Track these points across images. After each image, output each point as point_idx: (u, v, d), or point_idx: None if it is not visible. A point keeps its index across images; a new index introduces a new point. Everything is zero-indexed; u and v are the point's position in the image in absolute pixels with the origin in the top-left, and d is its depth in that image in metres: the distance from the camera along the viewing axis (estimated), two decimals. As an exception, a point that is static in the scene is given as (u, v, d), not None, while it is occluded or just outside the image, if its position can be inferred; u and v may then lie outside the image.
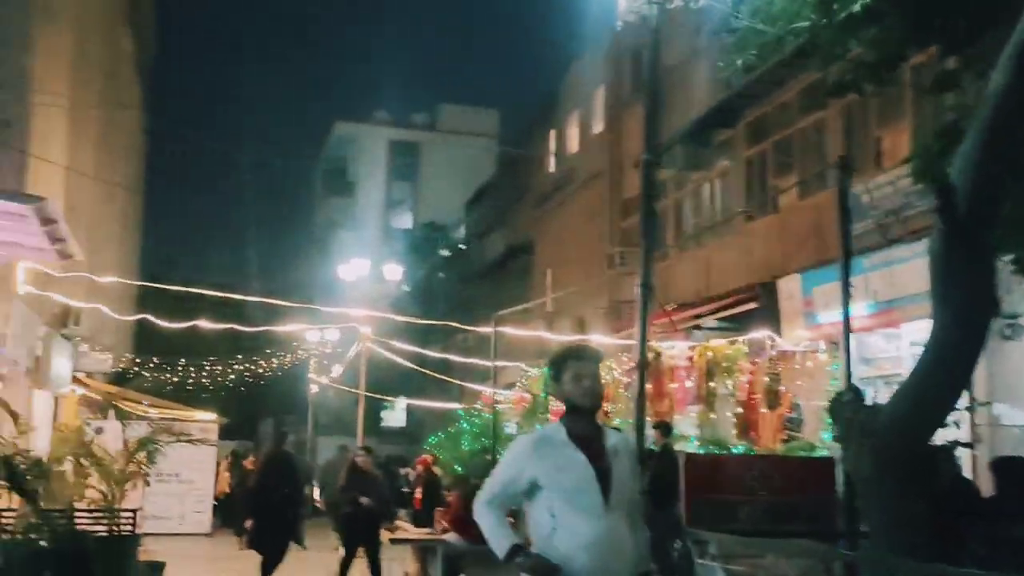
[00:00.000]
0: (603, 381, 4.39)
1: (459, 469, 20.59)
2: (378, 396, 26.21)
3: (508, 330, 16.18)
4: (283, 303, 15.08)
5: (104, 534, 8.60)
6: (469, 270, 39.35)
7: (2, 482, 8.63)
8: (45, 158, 13.32)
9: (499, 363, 18.79)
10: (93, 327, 21.02)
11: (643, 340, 9.41)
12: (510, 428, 20.98)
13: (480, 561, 11.73)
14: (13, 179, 12.08)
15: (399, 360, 20.06)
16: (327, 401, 37.79)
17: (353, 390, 25.77)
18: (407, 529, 12.91)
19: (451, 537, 11.77)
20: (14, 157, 12.00)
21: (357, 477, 12.71)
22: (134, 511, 9.43)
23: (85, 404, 21.46)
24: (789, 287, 15.08)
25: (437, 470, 20.38)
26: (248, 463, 20.47)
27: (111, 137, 22.67)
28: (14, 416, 9.23)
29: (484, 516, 4.09)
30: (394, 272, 17.70)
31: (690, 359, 15.21)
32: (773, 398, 15.16)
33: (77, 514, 8.91)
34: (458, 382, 22.91)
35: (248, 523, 12.31)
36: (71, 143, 18.49)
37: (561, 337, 17.67)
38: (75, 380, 21.07)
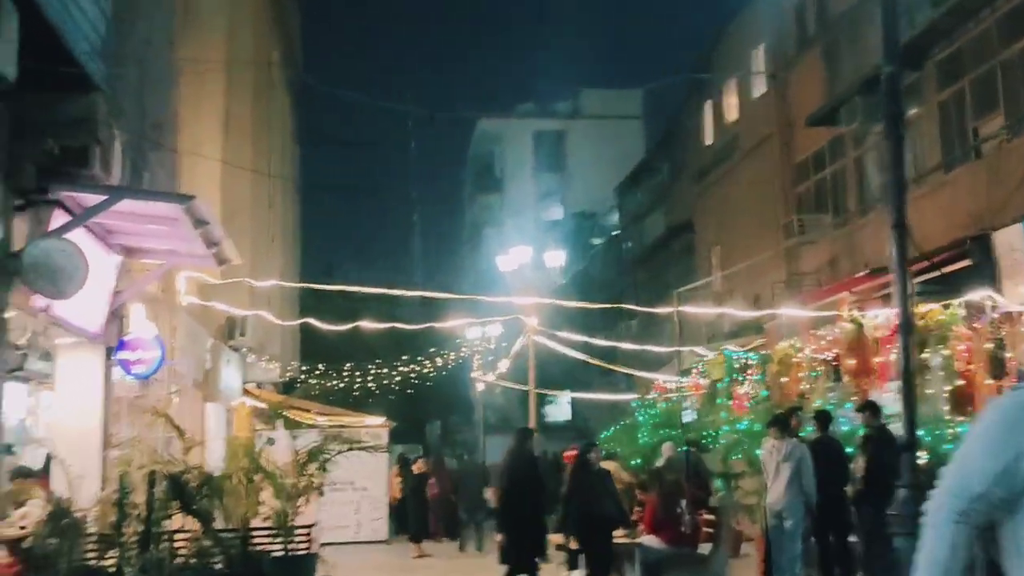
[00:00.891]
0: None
1: (636, 464, 19.42)
2: (544, 391, 25.30)
3: (691, 309, 14.91)
4: (444, 296, 14.32)
5: (280, 554, 7.90)
6: (627, 256, 38.07)
7: (173, 502, 8.04)
8: (200, 154, 12.93)
9: (677, 348, 17.59)
10: (259, 336, 20.90)
11: (904, 297, 8.03)
12: (688, 417, 19.62)
13: (683, 566, 10.59)
14: (167, 184, 11.66)
15: (564, 352, 19.04)
16: (491, 399, 37.24)
17: (520, 386, 24.95)
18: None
19: (649, 540, 10.64)
20: (166, 158, 11.59)
21: (587, 476, 11.04)
22: (309, 527, 8.71)
23: (255, 415, 21.40)
24: (1008, 239, 13.21)
25: (612, 466, 19.23)
26: (416, 467, 19.86)
27: (265, 143, 22.61)
28: (179, 432, 8.67)
29: (942, 535, 2.45)
30: (556, 258, 16.70)
31: (896, 329, 13.50)
32: (997, 367, 13.35)
33: (251, 533, 8.25)
34: (629, 371, 21.68)
35: (500, 538, 11.00)
36: (225, 148, 18.32)
37: (743, 313, 16.26)
38: (244, 391, 21.03)
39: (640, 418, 19.59)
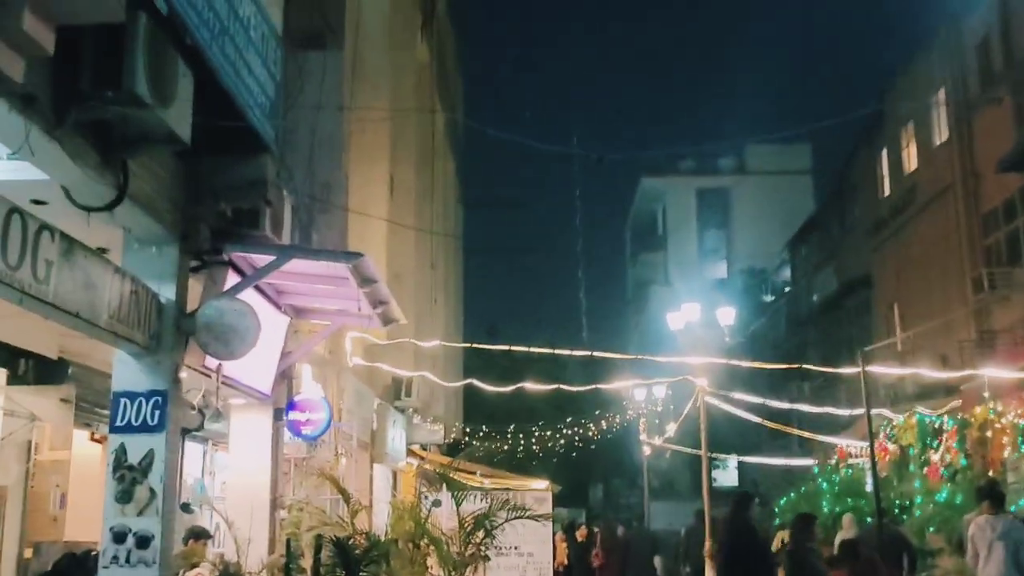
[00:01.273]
0: None
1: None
2: (715, 456, 24.24)
3: (880, 369, 13.82)
4: (612, 356, 13.83)
5: (446, 628, 7.53)
6: (797, 314, 36.56)
7: (339, 569, 7.81)
8: (366, 213, 13.02)
9: (861, 410, 16.32)
10: (423, 397, 20.92)
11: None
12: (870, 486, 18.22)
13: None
14: (335, 244, 11.73)
15: (737, 414, 18.10)
16: (655, 463, 36.12)
17: (691, 450, 24.03)
18: None
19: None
20: (334, 219, 11.68)
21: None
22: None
23: (421, 477, 21.35)
24: None
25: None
26: (580, 534, 19.20)
27: (428, 204, 22.91)
28: (345, 495, 8.47)
29: None
30: (727, 316, 15.92)
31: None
32: None
33: (416, 604, 7.91)
34: (809, 435, 20.44)
35: None
36: (391, 211, 18.55)
37: (938, 374, 15.03)
38: (410, 452, 21.03)
39: (823, 485, 18.34)
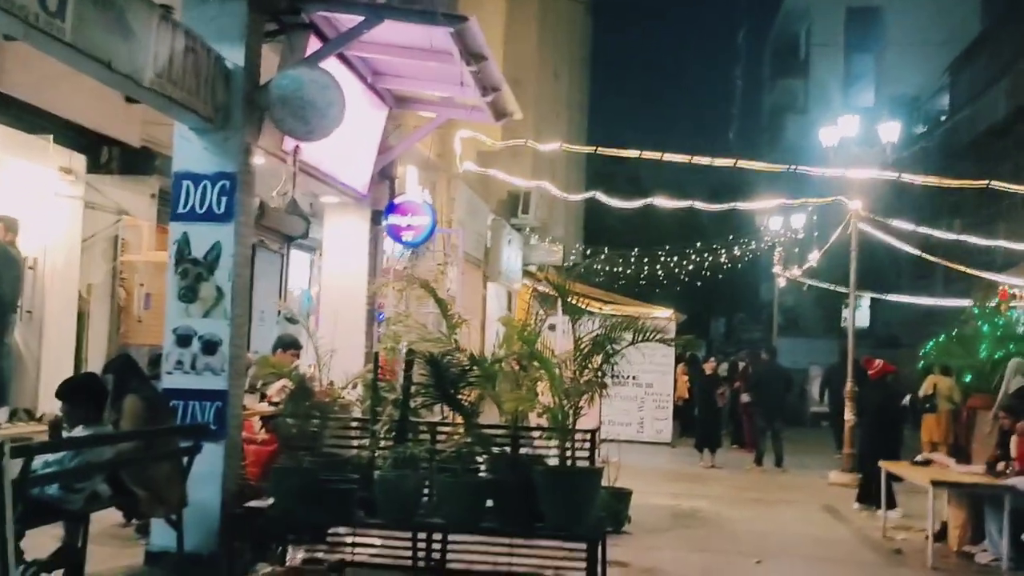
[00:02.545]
0: None
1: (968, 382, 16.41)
2: (860, 292, 22.17)
3: None
4: (757, 165, 11.94)
5: (555, 464, 6.34)
6: (954, 145, 33.34)
7: (431, 389, 6.66)
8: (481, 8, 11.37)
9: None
10: (541, 216, 19.60)
11: None
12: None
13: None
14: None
15: (889, 243, 16.08)
16: (781, 299, 34.23)
17: (828, 285, 22.22)
18: (948, 465, 9.43)
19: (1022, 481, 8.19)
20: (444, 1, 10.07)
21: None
22: (593, 433, 7.09)
23: (537, 299, 20.24)
24: None
25: (945, 383, 16.39)
26: (708, 367, 17.82)
27: (552, 18, 20.91)
28: (442, 305, 7.25)
29: None
30: (890, 131, 13.69)
31: None
32: None
33: (522, 434, 6.74)
34: (973, 272, 18.29)
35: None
36: (509, 23, 16.80)
37: None
38: (526, 274, 19.89)
39: (985, 328, 16.39)
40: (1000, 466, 8.88)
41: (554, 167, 19.98)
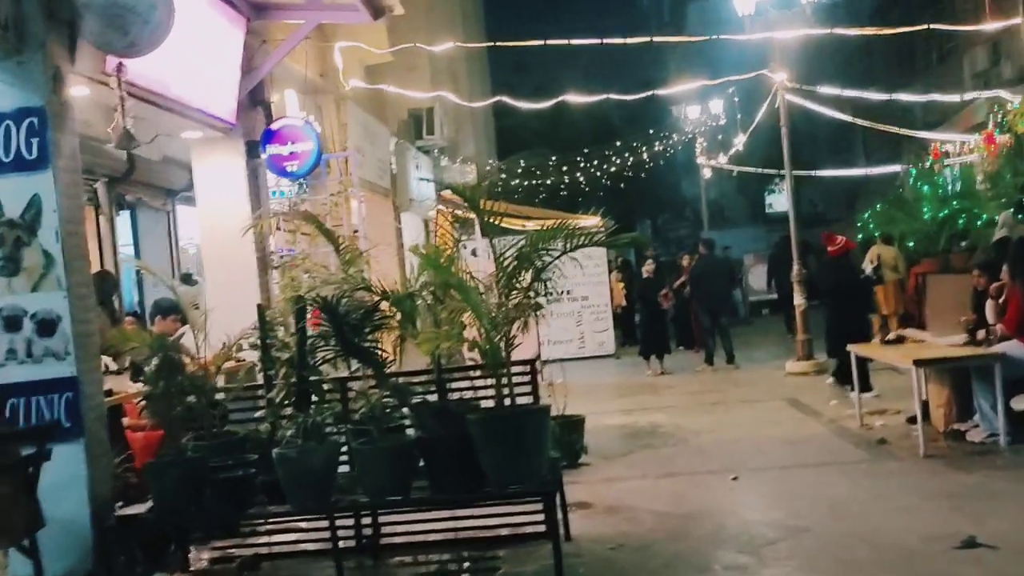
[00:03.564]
0: None
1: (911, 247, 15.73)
2: (773, 173, 21.36)
3: None
4: (673, 39, 10.63)
5: (491, 408, 5.24)
6: (863, 8, 32.42)
7: (330, 339, 5.49)
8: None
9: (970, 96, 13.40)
10: (450, 136, 18.27)
11: None
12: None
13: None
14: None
15: (819, 112, 15.10)
16: (702, 193, 33.36)
17: (754, 169, 21.37)
18: (924, 340, 8.58)
19: (1014, 349, 7.35)
20: None
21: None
22: (531, 364, 6.02)
23: (456, 225, 19.02)
24: None
25: (890, 252, 15.71)
26: (646, 270, 16.64)
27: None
28: (330, 237, 6.04)
29: None
30: None
31: None
32: None
33: (447, 377, 5.64)
34: (908, 132, 17.41)
35: None
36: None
37: None
38: (441, 199, 18.61)
39: (925, 189, 15.63)
40: (980, 333, 8.05)
41: (456, 80, 18.58)
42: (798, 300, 13.55)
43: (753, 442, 8.72)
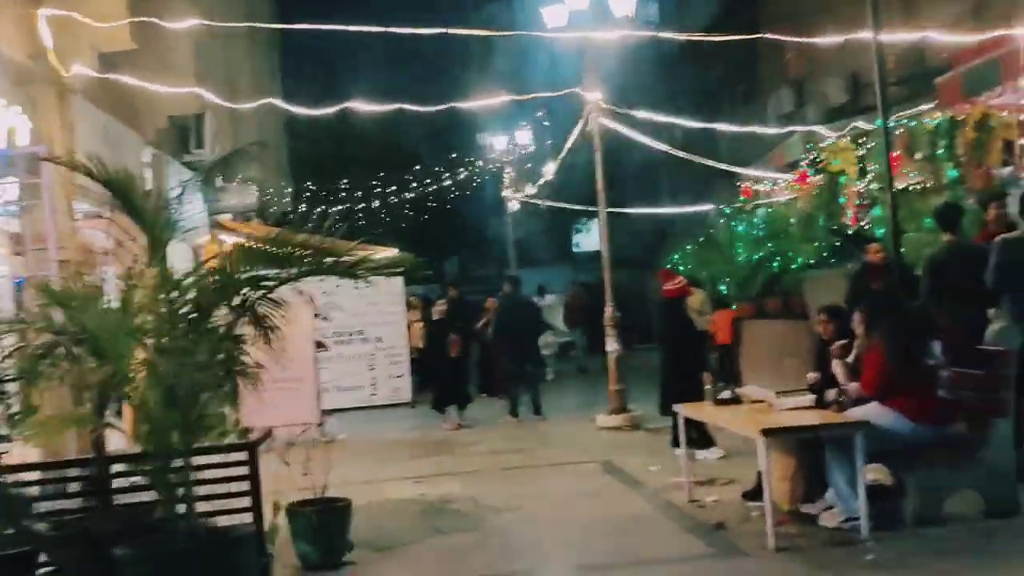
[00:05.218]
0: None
1: (723, 291, 14.80)
2: (583, 208, 20.25)
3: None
4: (472, 32, 8.93)
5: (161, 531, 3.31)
6: (665, 49, 32.38)
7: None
8: None
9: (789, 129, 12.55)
10: (225, 149, 15.98)
11: None
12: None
13: (943, 460, 6.08)
14: None
15: (636, 140, 13.88)
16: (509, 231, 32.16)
17: (563, 205, 20.16)
18: (766, 400, 7.13)
19: (878, 416, 6.03)
20: None
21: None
22: (250, 447, 4.13)
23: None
24: None
25: (698, 297, 14.71)
26: (437, 310, 14.72)
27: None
28: None
29: None
30: (624, 5, 11.25)
31: None
32: None
33: (109, 471, 3.65)
34: (732, 168, 16.56)
35: None
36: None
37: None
38: (220, 226, 16.29)
39: (740, 228, 14.72)
40: (830, 393, 6.75)
41: (234, 88, 16.35)
42: (611, 346, 12.17)
43: (566, 525, 7.06)
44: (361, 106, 10.11)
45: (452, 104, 11.41)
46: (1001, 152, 10.43)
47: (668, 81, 32.67)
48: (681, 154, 14.75)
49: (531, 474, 9.35)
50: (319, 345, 15.13)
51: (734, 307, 14.66)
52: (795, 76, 22.45)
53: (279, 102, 11.47)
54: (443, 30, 8.47)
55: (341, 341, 16.08)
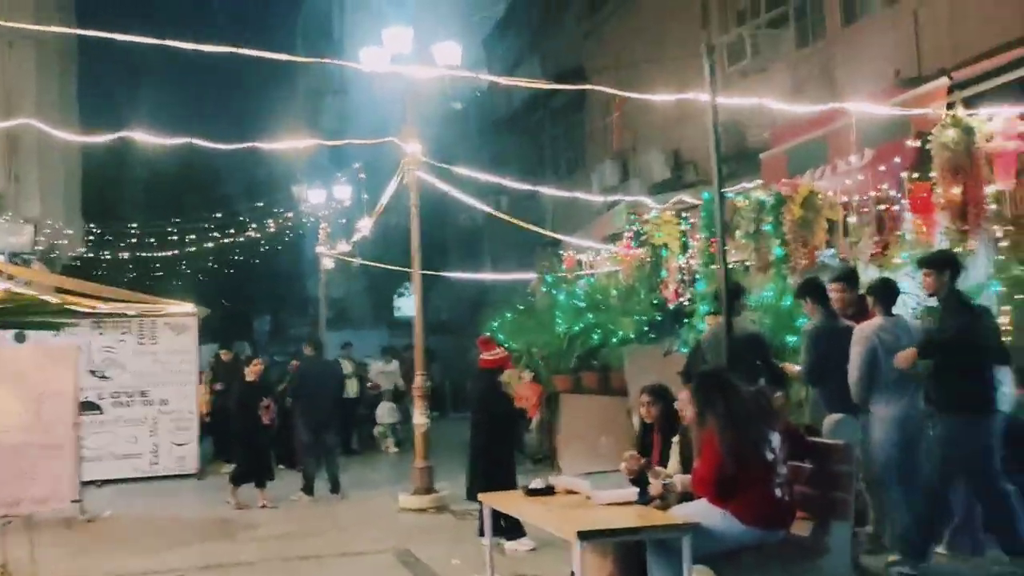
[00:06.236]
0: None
1: (540, 365, 14.15)
2: (401, 269, 19.38)
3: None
4: (280, 56, 7.90)
5: None
6: (496, 115, 32.39)
7: None
8: None
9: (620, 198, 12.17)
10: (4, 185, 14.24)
11: None
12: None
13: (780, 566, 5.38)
14: None
15: (457, 198, 13.08)
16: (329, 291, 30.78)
17: (375, 264, 19.21)
18: (581, 491, 6.27)
19: (708, 516, 5.27)
20: None
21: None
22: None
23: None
24: None
25: (521, 375, 14.03)
26: (250, 372, 12.97)
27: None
28: None
29: None
30: (449, 52, 10.48)
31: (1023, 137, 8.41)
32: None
33: None
34: (562, 237, 16.00)
35: None
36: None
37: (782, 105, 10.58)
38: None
39: (561, 298, 14.12)
40: (654, 487, 5.98)
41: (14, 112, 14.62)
42: (418, 419, 11.16)
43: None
44: (146, 137, 8.80)
45: (253, 145, 10.24)
46: (825, 232, 10.27)
47: (495, 147, 32.58)
48: (504, 218, 14.16)
49: (314, 567, 8.17)
50: (88, 406, 13.56)
51: (531, 378, 14.05)
52: (620, 150, 22.49)
53: (37, 123, 9.74)
54: (232, 48, 7.40)
55: (120, 403, 14.41)
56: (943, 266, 6.59)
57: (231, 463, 13.02)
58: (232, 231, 19.44)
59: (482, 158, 31.96)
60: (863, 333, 6.82)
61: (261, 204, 19.88)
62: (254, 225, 19.54)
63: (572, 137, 26.44)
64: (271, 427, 12.33)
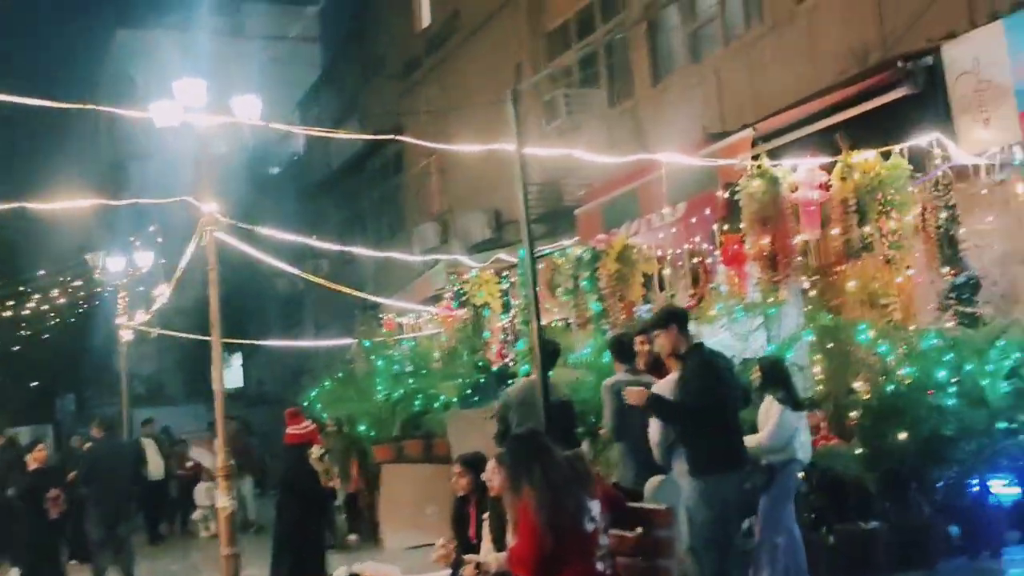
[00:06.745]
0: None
1: (367, 432, 13.44)
2: (232, 340, 18.25)
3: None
4: (43, 104, 7.05)
5: None
6: (311, 180, 31.66)
7: None
8: None
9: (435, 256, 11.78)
10: None
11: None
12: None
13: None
14: None
15: (260, 262, 12.32)
16: (137, 367, 28.86)
17: (177, 333, 18.03)
18: (387, 573, 5.67)
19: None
20: None
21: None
22: None
23: None
24: (972, 52, 8.68)
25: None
26: (34, 459, 11.42)
27: None
28: None
29: None
30: (249, 107, 9.91)
31: (825, 187, 8.52)
32: (947, 248, 8.99)
33: None
34: (383, 300, 15.39)
35: None
36: None
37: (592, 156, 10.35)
38: None
39: (380, 363, 13.48)
40: (468, 569, 5.44)
41: None
42: (222, 502, 10.22)
43: None
44: None
45: (24, 204, 9.24)
46: (642, 286, 10.17)
47: (314, 211, 31.78)
48: (320, 282, 13.45)
49: None
50: None
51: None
52: (440, 212, 22.26)
53: None
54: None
55: None
56: (667, 321, 6.09)
57: (15, 567, 11.51)
58: (14, 303, 17.84)
59: (301, 222, 31.08)
60: (609, 391, 6.75)
61: (43, 272, 18.31)
62: (37, 296, 17.97)
63: (392, 200, 26.10)
64: (61, 520, 11.01)
